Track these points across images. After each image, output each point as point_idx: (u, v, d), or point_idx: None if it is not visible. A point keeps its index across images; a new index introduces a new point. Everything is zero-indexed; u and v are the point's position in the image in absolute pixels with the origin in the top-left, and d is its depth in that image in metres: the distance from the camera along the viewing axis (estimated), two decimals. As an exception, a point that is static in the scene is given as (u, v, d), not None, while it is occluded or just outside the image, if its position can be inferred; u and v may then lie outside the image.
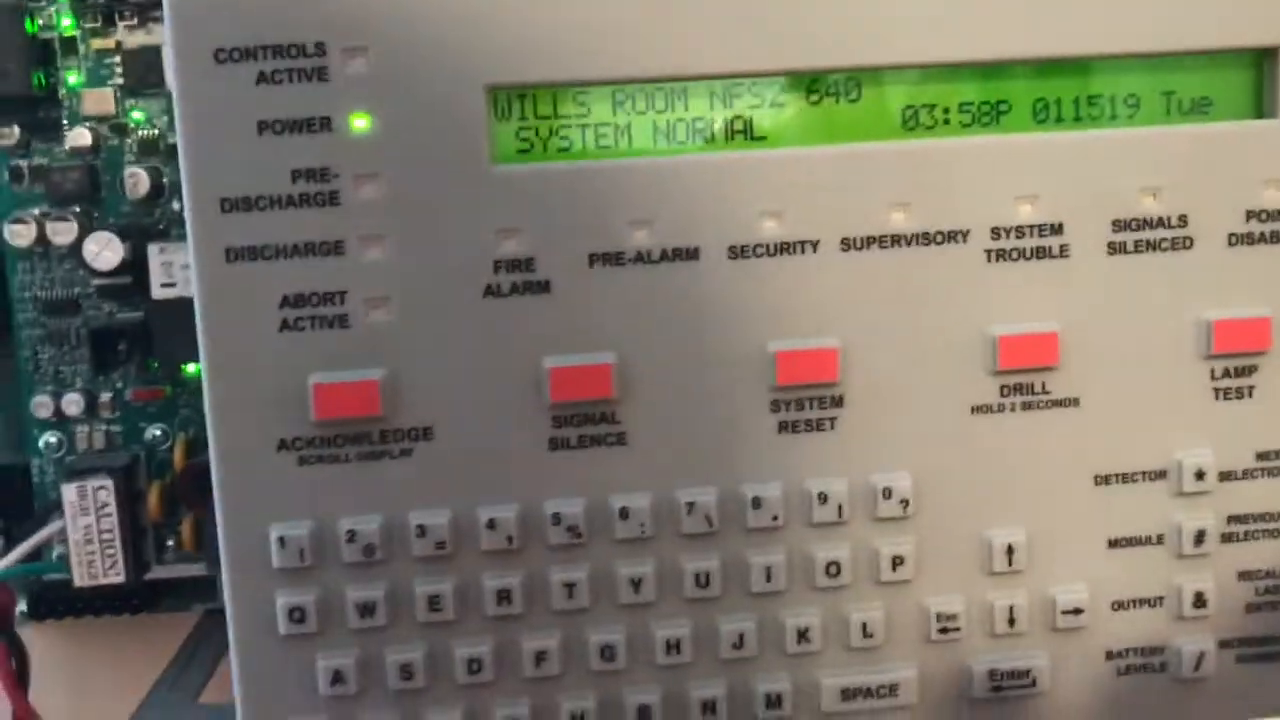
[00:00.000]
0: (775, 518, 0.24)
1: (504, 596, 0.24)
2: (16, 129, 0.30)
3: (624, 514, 0.24)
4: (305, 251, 0.23)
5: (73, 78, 0.31)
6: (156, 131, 0.31)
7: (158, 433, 0.32)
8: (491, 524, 0.23)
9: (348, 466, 0.23)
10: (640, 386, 0.24)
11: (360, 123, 0.23)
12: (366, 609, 0.23)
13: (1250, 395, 0.25)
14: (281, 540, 0.23)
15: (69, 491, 0.30)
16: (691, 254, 0.24)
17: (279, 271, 0.23)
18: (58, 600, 0.33)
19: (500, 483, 0.24)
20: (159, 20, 0.31)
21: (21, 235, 0.30)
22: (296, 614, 0.23)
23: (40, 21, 0.30)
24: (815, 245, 0.24)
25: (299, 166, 0.23)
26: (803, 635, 0.24)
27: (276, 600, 0.23)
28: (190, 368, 0.31)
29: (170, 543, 0.32)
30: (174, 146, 0.31)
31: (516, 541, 0.24)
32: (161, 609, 0.34)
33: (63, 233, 0.30)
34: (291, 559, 0.23)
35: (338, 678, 0.23)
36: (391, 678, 0.24)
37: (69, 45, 0.31)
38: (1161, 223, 0.24)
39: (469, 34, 0.23)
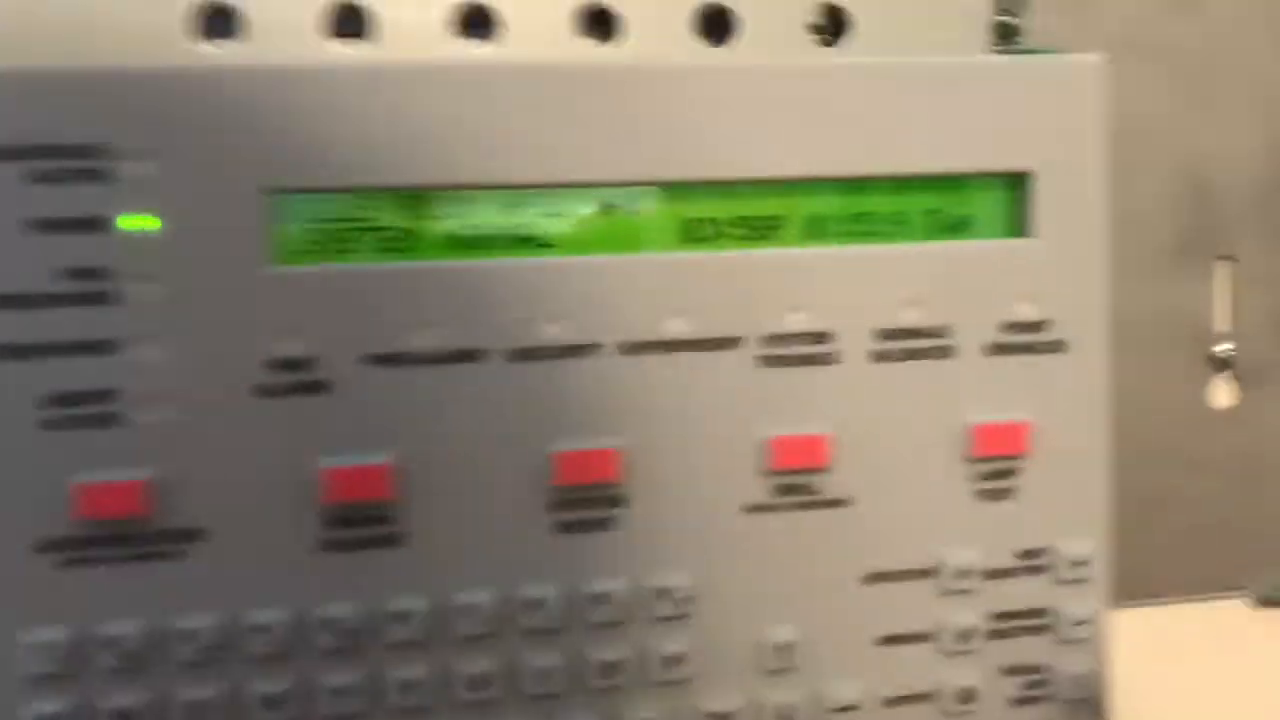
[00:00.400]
0: (553, 619, 0.24)
1: (272, 703, 0.23)
2: None
3: (400, 617, 0.24)
4: (72, 350, 0.23)
5: None
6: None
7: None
8: (260, 628, 0.23)
9: (111, 569, 0.23)
10: (419, 486, 0.24)
11: (142, 224, 0.23)
12: (124, 717, 0.23)
13: (1010, 497, 0.27)
14: (33, 647, 0.22)
15: None
16: (473, 356, 0.24)
17: (45, 369, 0.22)
18: None
19: (271, 585, 0.23)
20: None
21: None
22: (47, 725, 0.22)
23: None
24: (596, 349, 0.24)
25: (74, 265, 0.22)
26: (580, 737, 0.24)
27: (29, 709, 0.22)
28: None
29: None
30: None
31: (287, 646, 0.23)
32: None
33: None
34: (44, 664, 0.22)
35: (91, 792, 0.23)
36: (150, 791, 0.23)
37: None
38: (924, 333, 0.26)
39: (255, 138, 0.23)
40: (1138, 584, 0.40)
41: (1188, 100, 0.40)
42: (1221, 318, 0.41)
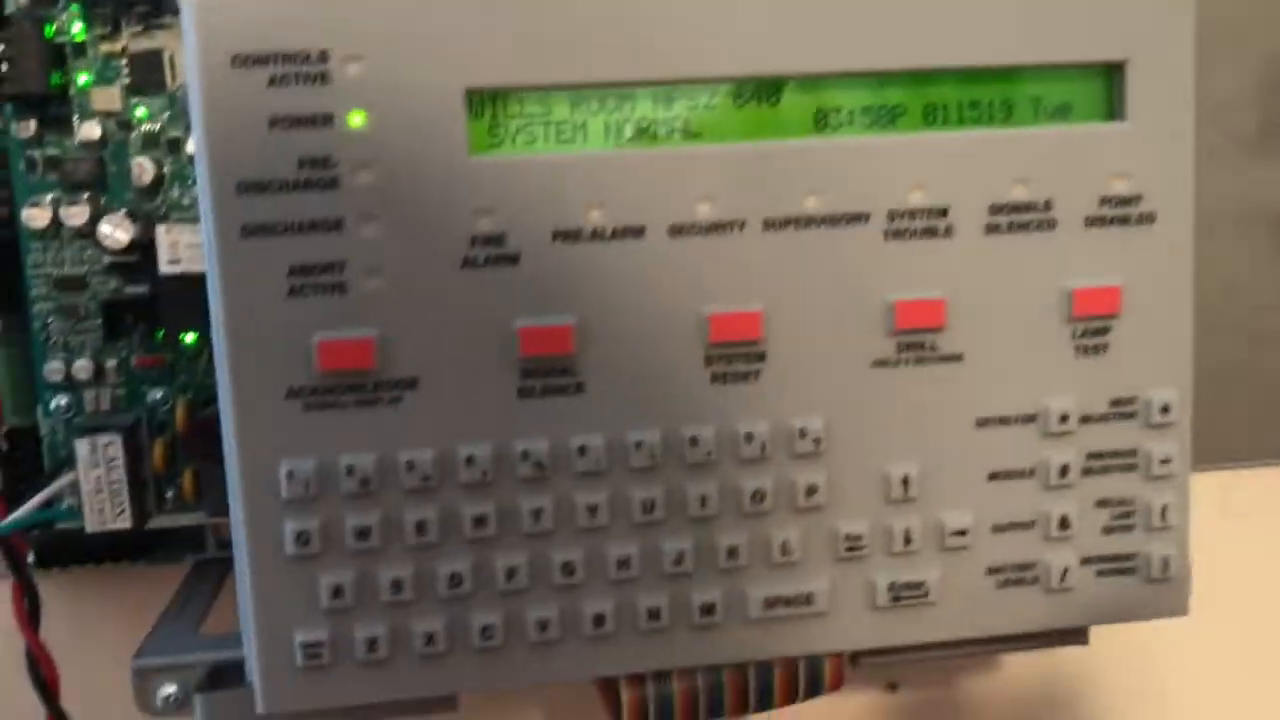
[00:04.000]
0: (709, 454, 0.28)
1: (480, 522, 0.28)
2: (33, 123, 0.34)
3: (583, 451, 0.28)
4: (309, 228, 0.27)
5: (83, 78, 0.34)
6: (158, 126, 0.34)
7: (158, 395, 0.35)
8: (470, 460, 0.28)
9: (346, 412, 0.27)
10: (596, 344, 0.28)
11: (357, 119, 0.27)
12: (362, 533, 0.27)
13: (1105, 352, 0.30)
14: (290, 474, 0.27)
15: (81, 446, 0.33)
16: (638, 232, 0.28)
17: (286, 245, 0.27)
18: (62, 550, 0.37)
19: (476, 425, 0.28)
20: (162, 27, 0.34)
21: (37, 218, 0.34)
22: (303, 538, 0.27)
23: (55, 27, 0.34)
24: (742, 225, 0.28)
25: (304, 156, 0.27)
26: (732, 553, 0.29)
27: (285, 526, 0.27)
28: (189, 337, 0.35)
29: (169, 494, 0.36)
30: (174, 140, 0.35)
31: (490, 475, 0.28)
32: (155, 560, 0.38)
33: (74, 215, 0.34)
34: (298, 490, 0.27)
35: (337, 593, 0.27)
36: (384, 593, 0.28)
37: (80, 49, 0.34)
38: (1030, 207, 0.29)
39: (450, 44, 0.27)
40: (1215, 450, 0.43)
41: (1273, -9, 0.42)
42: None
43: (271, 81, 0.26)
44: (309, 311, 0.27)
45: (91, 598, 0.39)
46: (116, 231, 0.33)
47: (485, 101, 0.27)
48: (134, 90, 0.34)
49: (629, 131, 0.28)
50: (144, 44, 0.34)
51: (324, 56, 0.26)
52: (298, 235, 0.27)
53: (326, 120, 0.27)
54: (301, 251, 0.27)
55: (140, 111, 0.34)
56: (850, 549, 0.29)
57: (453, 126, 0.27)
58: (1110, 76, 0.30)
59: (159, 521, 0.35)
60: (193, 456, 0.34)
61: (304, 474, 0.27)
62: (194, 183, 0.34)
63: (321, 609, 0.27)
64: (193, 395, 0.35)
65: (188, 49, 0.26)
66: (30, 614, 0.35)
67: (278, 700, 0.28)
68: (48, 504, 0.34)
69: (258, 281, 0.27)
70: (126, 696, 0.38)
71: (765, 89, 0.28)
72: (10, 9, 0.33)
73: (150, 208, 0.34)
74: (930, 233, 0.29)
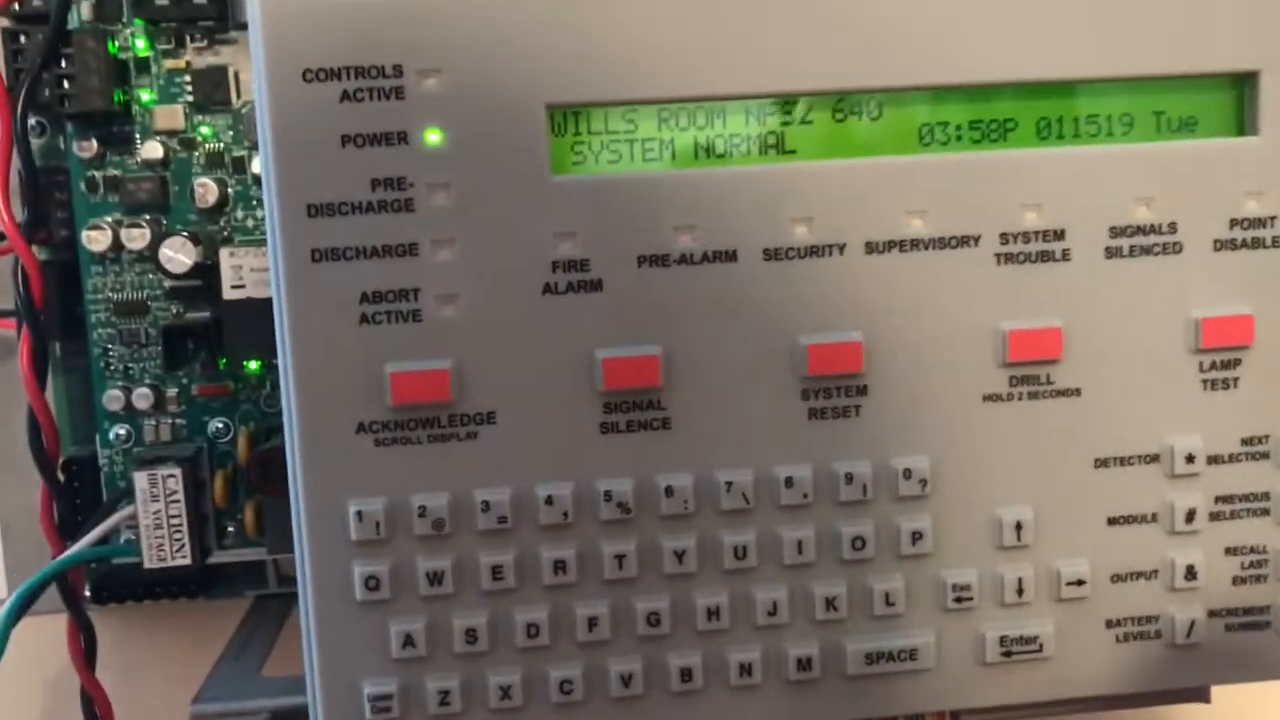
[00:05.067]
0: (805, 496, 0.26)
1: (560, 567, 0.26)
2: (95, 142, 0.33)
3: (669, 492, 0.26)
4: (382, 253, 0.25)
5: (145, 95, 0.33)
6: (222, 145, 0.33)
7: (220, 425, 0.34)
8: (549, 500, 0.26)
9: (418, 448, 0.26)
10: (684, 376, 0.26)
11: (434, 137, 0.25)
12: (435, 578, 0.26)
13: (1235, 386, 0.28)
14: (359, 515, 0.25)
15: (140, 479, 0.32)
16: (730, 256, 0.26)
17: (358, 271, 0.25)
18: (119, 584, 0.35)
19: (556, 463, 0.26)
20: (226, 43, 0.33)
21: (98, 241, 0.33)
22: (372, 582, 0.25)
23: (118, 43, 0.33)
24: (842, 249, 0.26)
25: (378, 176, 0.25)
26: (830, 604, 0.27)
27: (353, 570, 0.26)
28: (251, 365, 0.34)
29: (230, 529, 0.34)
30: (238, 159, 0.33)
31: (571, 517, 0.26)
32: (215, 595, 0.37)
33: (136, 238, 0.33)
34: (368, 532, 0.25)
35: (408, 641, 0.26)
36: (457, 642, 0.26)
37: (142, 65, 0.33)
38: (1153, 229, 0.27)
39: (531, 58, 0.25)
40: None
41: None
42: None
43: (344, 97, 0.25)
44: (381, 341, 0.25)
45: (148, 634, 0.38)
46: (178, 255, 0.32)
47: (568, 118, 0.26)
48: (197, 108, 0.33)
49: (719, 149, 0.26)
50: (208, 60, 0.33)
51: (399, 71, 0.25)
52: (370, 260, 0.25)
53: (401, 138, 0.25)
54: (374, 277, 0.25)
55: (204, 130, 0.33)
56: (958, 600, 0.27)
57: (533, 144, 0.25)
58: (1241, 88, 0.27)
59: (219, 557, 0.34)
60: (256, 490, 0.33)
61: (374, 514, 0.25)
62: (259, 204, 0.33)
63: (391, 658, 0.26)
64: (255, 426, 0.34)
65: (256, 64, 0.25)
66: (85, 651, 0.34)
67: (343, 755, 0.26)
68: (104, 539, 0.33)
69: (328, 308, 0.25)
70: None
71: (865, 103, 0.27)
72: (73, 25, 0.32)
73: (213, 230, 0.33)
74: (1045, 256, 0.27)
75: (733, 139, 0.26)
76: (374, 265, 0.25)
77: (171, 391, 0.34)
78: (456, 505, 0.26)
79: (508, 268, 0.25)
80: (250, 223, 0.33)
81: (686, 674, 0.26)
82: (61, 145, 0.33)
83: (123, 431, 0.34)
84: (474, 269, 0.25)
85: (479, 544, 0.26)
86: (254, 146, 0.33)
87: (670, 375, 0.26)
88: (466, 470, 0.26)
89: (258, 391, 0.34)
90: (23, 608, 0.32)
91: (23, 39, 0.32)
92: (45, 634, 0.34)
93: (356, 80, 0.25)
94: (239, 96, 0.33)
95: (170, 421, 0.34)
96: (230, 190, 0.33)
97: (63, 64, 0.32)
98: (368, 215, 0.25)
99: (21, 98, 0.31)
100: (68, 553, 0.32)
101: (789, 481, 0.26)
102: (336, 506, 0.25)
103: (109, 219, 0.33)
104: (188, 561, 0.32)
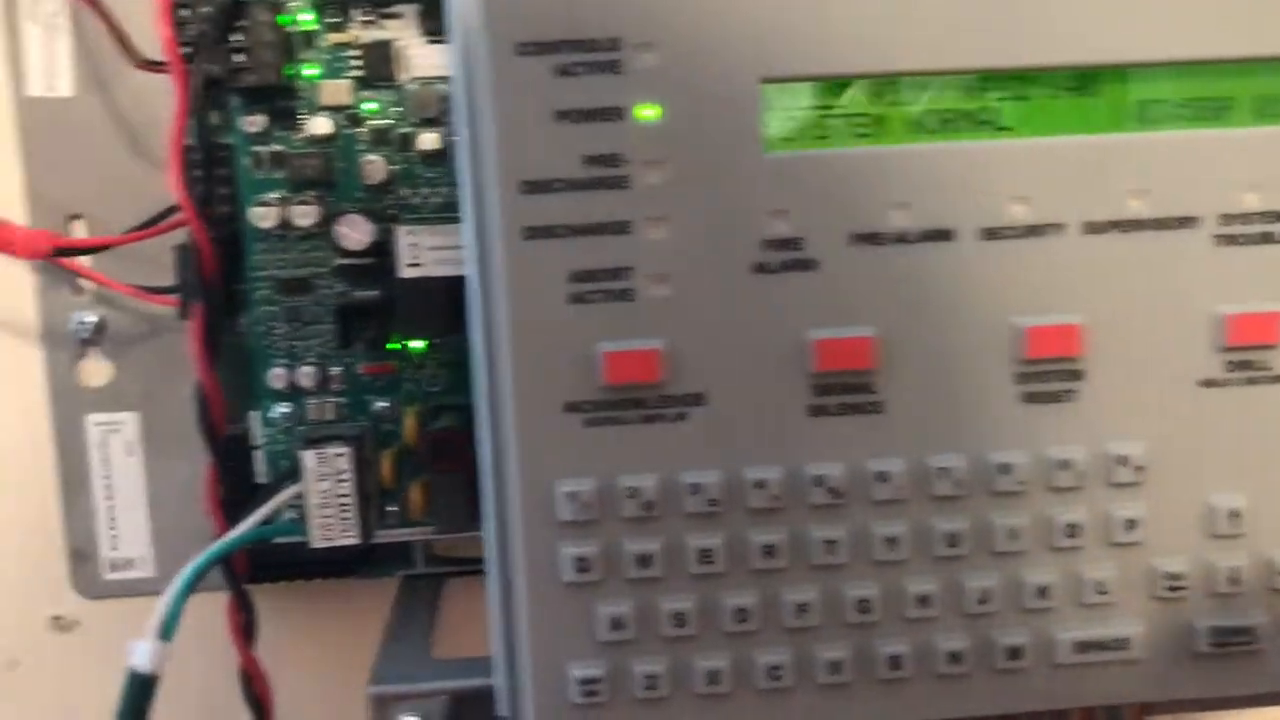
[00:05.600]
0: (1021, 483, 0.26)
1: (769, 551, 0.25)
2: (262, 117, 0.33)
3: (882, 477, 0.25)
4: (595, 230, 0.25)
5: (311, 70, 0.33)
6: (389, 121, 0.33)
7: (384, 405, 0.34)
8: (759, 484, 0.25)
9: (628, 429, 0.25)
10: (897, 358, 0.25)
11: (649, 112, 0.25)
12: (644, 560, 0.25)
13: None
14: (569, 495, 0.25)
15: (309, 458, 0.32)
16: (945, 235, 0.25)
17: (570, 249, 0.25)
18: (270, 563, 0.35)
19: (765, 446, 0.25)
20: (392, 16, 0.33)
21: (266, 217, 0.32)
22: (582, 564, 0.25)
23: (286, 16, 0.32)
24: (1060, 228, 0.25)
25: (592, 152, 0.25)
26: (1041, 592, 0.26)
27: (562, 551, 0.25)
28: (417, 344, 0.33)
29: (390, 509, 0.34)
30: (405, 136, 0.33)
31: (781, 501, 0.25)
32: (362, 575, 0.37)
33: (305, 215, 0.32)
34: (577, 513, 0.25)
35: (616, 624, 0.25)
36: (665, 625, 0.25)
37: (308, 39, 0.32)
38: (1379, 210, 0.26)
39: (747, 32, 0.24)
40: None
41: None
42: None
43: (559, 71, 0.24)
44: (592, 320, 0.25)
45: (298, 613, 0.38)
46: (355, 232, 0.31)
47: (782, 93, 0.25)
48: (363, 83, 0.33)
49: (935, 125, 0.26)
50: (374, 34, 0.33)
51: (615, 45, 0.24)
52: (583, 238, 0.25)
53: (617, 114, 0.24)
54: (586, 255, 0.25)
55: (370, 106, 0.33)
56: (1170, 589, 0.26)
57: (748, 121, 0.25)
58: None
59: (380, 537, 0.34)
60: (427, 470, 0.32)
61: (583, 495, 0.25)
62: (427, 182, 0.33)
63: (598, 641, 0.25)
64: (420, 406, 0.33)
65: (462, 37, 0.24)
66: (245, 629, 0.34)
67: (549, 738, 0.26)
68: (269, 518, 0.33)
69: (539, 287, 0.25)
70: (336, 714, 0.37)
71: (1083, 79, 0.26)
72: (247, -3, 0.32)
73: (378, 208, 0.33)
74: (1267, 238, 0.26)
75: (948, 115, 0.26)
76: (586, 243, 0.25)
77: (336, 370, 0.33)
78: (665, 487, 0.25)
79: (720, 246, 0.25)
80: (416, 200, 0.33)
81: (896, 661, 0.26)
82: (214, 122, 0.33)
83: (286, 409, 0.34)
84: (686, 247, 0.25)
85: (687, 527, 0.25)
86: (423, 123, 0.33)
87: (883, 357, 0.25)
88: (675, 452, 0.25)
89: (421, 371, 0.34)
90: (193, 586, 0.32)
91: (187, 10, 0.32)
92: (204, 611, 0.34)
93: (572, 54, 0.24)
94: (404, 72, 0.33)
95: (334, 401, 0.34)
96: (396, 168, 0.33)
97: (232, 38, 0.32)
98: (581, 192, 0.25)
99: (199, 70, 0.31)
100: (237, 532, 0.32)
101: (1004, 468, 0.26)
102: (546, 487, 0.25)
103: (274, 195, 0.33)
104: (355, 541, 0.32)
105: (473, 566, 0.35)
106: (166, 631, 0.31)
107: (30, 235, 0.34)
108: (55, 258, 0.34)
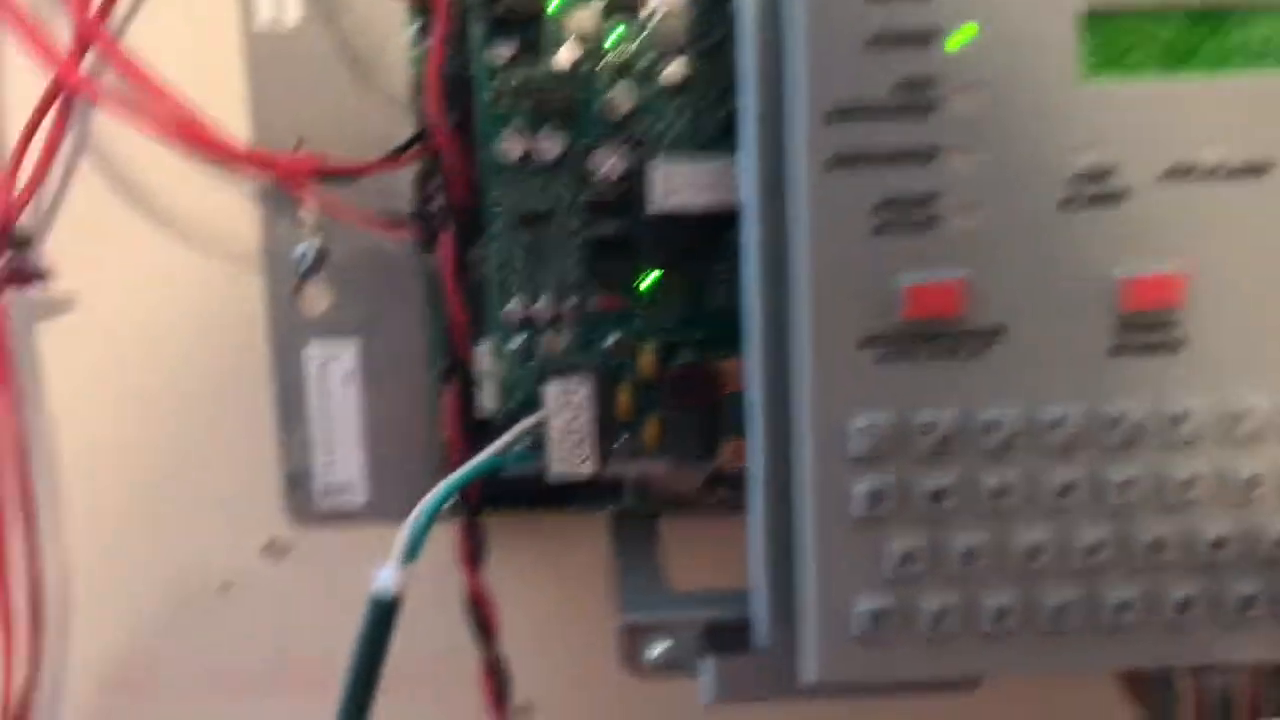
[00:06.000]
0: (1331, 427, 0.25)
1: (1066, 490, 0.25)
2: (508, 48, 0.32)
3: (1182, 418, 0.25)
4: (902, 159, 0.24)
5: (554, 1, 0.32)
6: (633, 52, 0.32)
7: (618, 338, 0.34)
8: (1057, 423, 0.25)
9: (923, 363, 0.25)
10: (1205, 298, 0.25)
11: (962, 38, 0.24)
12: (937, 496, 0.25)
13: None
14: (863, 430, 0.25)
15: (551, 388, 0.32)
16: (1259, 170, 0.25)
17: (876, 178, 0.24)
18: (498, 493, 0.36)
19: (1063, 384, 0.25)
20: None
21: (512, 149, 0.32)
22: (874, 498, 0.25)
23: (535, -57, 0.32)
24: (1382, 164, 0.25)
25: (903, 78, 0.24)
26: (1309, 542, 0.25)
27: (854, 486, 0.25)
28: (651, 278, 0.33)
29: (621, 441, 0.34)
30: (646, 69, 0.33)
31: (1078, 440, 0.25)
32: (571, 510, 0.37)
33: (550, 148, 0.32)
34: (870, 448, 0.25)
35: (907, 559, 0.25)
36: (956, 561, 0.25)
37: (555, -31, 0.32)
38: None
39: (1066, -46, 0.24)
40: None
41: None
42: None
43: (873, -4, 0.24)
44: (895, 251, 0.24)
45: (517, 541, 0.38)
46: (609, 164, 0.31)
47: (1099, 22, 0.24)
48: (607, 13, 0.32)
49: (1254, 55, 0.25)
50: (622, -37, 0.32)
51: (931, -33, 0.24)
52: (888, 166, 0.24)
53: (930, 38, 0.24)
54: (892, 184, 0.24)
55: (616, 36, 0.32)
56: None
57: (1062, 49, 0.24)
58: None
59: (613, 469, 0.34)
60: (671, 406, 0.32)
61: (878, 430, 0.25)
62: (668, 114, 0.32)
63: (887, 576, 0.25)
64: (656, 341, 0.33)
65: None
66: (473, 556, 0.34)
67: (831, 669, 0.26)
68: (506, 448, 0.33)
69: (843, 218, 0.24)
70: (559, 644, 0.38)
71: None
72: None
73: (624, 139, 0.33)
74: None
75: (1268, 45, 0.25)
76: (892, 172, 0.24)
77: (571, 303, 0.34)
78: (962, 422, 0.25)
79: (1028, 178, 0.24)
80: (662, 128, 0.32)
81: (1185, 604, 0.25)
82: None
83: (520, 343, 0.34)
84: (993, 177, 0.24)
85: (982, 463, 0.25)
86: (665, 55, 0.32)
87: (1195, 297, 0.25)
88: (973, 387, 0.25)
89: (654, 307, 0.34)
90: (438, 511, 0.32)
91: (430, -61, 0.32)
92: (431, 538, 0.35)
93: (888, -23, 0.24)
94: (645, 2, 0.32)
95: (569, 334, 0.34)
96: (639, 100, 0.33)
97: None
98: (889, 120, 0.24)
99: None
100: (480, 459, 0.32)
101: (1312, 411, 0.25)
102: (838, 421, 0.25)
103: (513, 127, 0.33)
104: (592, 471, 0.32)
105: (686, 502, 0.35)
106: (412, 553, 0.32)
107: (292, 160, 0.34)
108: (317, 181, 0.34)
